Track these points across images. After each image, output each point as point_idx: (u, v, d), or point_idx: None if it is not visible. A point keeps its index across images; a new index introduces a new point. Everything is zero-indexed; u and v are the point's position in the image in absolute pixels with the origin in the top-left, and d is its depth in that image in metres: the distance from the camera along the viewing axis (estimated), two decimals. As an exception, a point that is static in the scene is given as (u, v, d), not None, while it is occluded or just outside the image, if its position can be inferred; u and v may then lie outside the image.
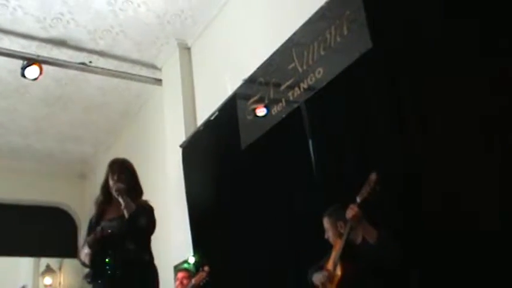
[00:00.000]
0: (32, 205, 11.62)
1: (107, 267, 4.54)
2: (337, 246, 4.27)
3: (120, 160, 5.06)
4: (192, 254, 6.91)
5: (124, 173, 4.88)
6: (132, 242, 4.61)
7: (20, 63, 7.35)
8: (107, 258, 4.56)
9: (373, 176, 4.00)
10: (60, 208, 12.17)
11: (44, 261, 12.88)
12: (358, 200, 4.04)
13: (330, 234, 4.43)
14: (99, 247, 4.61)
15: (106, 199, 4.89)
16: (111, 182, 4.80)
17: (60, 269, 12.95)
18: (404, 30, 4.39)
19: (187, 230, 7.11)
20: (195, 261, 6.77)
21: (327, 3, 5.32)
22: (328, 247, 4.42)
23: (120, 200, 4.67)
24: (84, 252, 4.73)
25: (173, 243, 7.44)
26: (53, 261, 12.83)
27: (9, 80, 8.51)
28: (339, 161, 4.99)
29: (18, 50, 7.65)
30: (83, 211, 11.85)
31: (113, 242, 4.60)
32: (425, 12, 4.23)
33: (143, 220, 4.66)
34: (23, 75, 7.35)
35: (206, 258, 6.44)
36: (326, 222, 4.47)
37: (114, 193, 4.72)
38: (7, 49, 7.63)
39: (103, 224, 4.71)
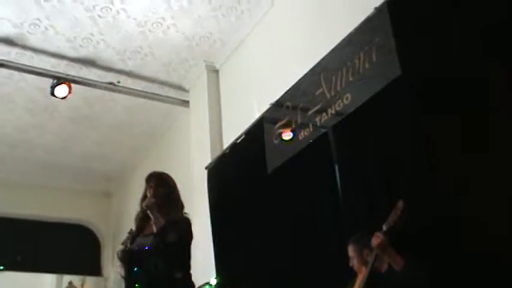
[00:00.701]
0: (56, 222, 11.69)
1: (137, 285, 4.50)
2: (362, 274, 4.23)
3: (157, 173, 5.01)
4: (214, 276, 6.89)
5: (161, 187, 4.83)
6: (161, 259, 4.51)
7: (49, 81, 7.49)
8: (136, 275, 4.52)
9: (400, 204, 3.94)
10: (84, 226, 12.23)
11: (67, 278, 12.89)
12: (385, 227, 4.00)
13: (354, 262, 4.40)
14: (128, 261, 4.57)
15: (145, 214, 4.79)
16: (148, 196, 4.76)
17: (82, 286, 12.91)
18: (433, 59, 4.37)
19: (210, 252, 7.09)
20: (217, 283, 6.74)
21: (356, 29, 5.31)
22: (352, 275, 4.39)
23: (151, 215, 4.64)
24: (117, 264, 4.73)
25: (196, 264, 7.40)
26: (75, 278, 12.84)
27: (39, 97, 8.62)
28: (365, 188, 4.95)
29: (48, 68, 7.77)
30: (107, 229, 11.93)
31: (142, 258, 4.54)
32: (455, 41, 4.21)
33: (172, 236, 4.53)
34: (53, 94, 7.46)
35: (229, 281, 6.41)
36: (351, 250, 4.43)
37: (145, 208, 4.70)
38: (37, 68, 7.73)
39: (138, 239, 4.68)
